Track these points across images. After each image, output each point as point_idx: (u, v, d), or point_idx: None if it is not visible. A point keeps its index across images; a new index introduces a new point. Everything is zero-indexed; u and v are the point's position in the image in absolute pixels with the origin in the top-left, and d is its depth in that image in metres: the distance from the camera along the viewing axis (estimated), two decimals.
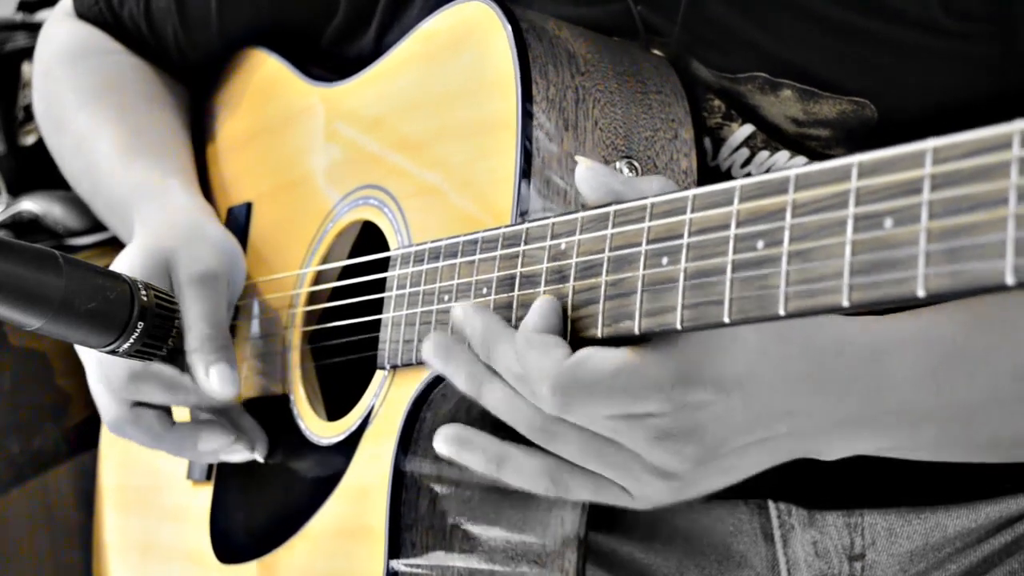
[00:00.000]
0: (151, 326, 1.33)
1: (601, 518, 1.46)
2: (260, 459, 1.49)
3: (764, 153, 1.35)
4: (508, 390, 1.10)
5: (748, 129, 1.35)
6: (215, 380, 1.40)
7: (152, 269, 1.44)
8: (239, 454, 1.49)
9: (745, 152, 1.35)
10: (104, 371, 1.43)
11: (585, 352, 1.05)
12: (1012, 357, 1.18)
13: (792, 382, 1.09)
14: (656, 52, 1.36)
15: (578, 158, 1.12)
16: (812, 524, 1.44)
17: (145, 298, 1.31)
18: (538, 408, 1.09)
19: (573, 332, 1.08)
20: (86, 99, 1.68)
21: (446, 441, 1.15)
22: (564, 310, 1.09)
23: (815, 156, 1.34)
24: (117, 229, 1.64)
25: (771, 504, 1.45)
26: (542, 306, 1.09)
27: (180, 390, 1.42)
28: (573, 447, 1.10)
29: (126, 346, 1.31)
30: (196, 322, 1.41)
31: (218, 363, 1.40)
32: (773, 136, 1.35)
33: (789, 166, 1.33)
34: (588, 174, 1.10)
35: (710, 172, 1.35)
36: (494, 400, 1.12)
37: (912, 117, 1.29)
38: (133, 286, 1.32)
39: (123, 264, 1.45)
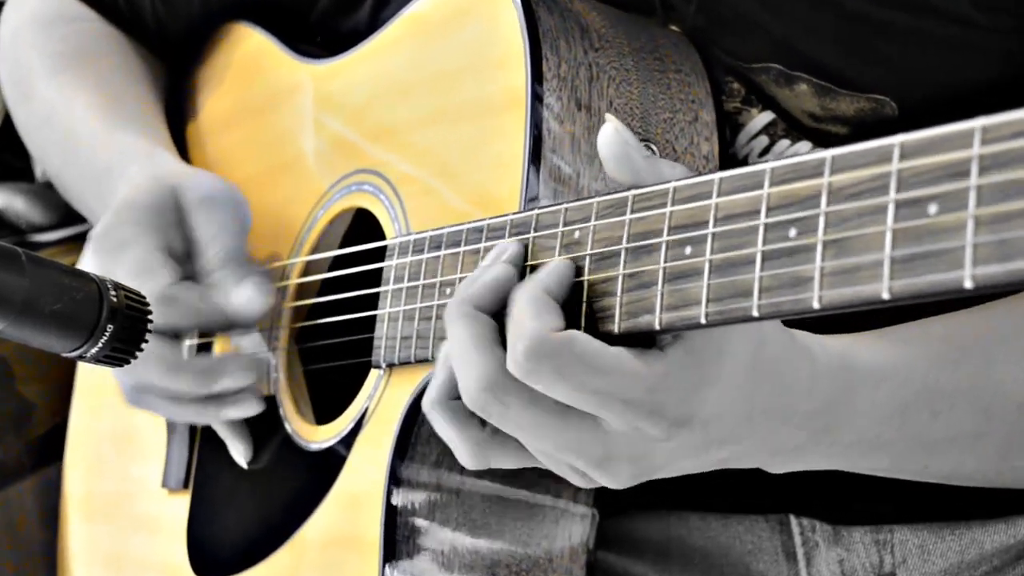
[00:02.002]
0: (121, 329, 1.32)
1: (611, 536, 1.46)
2: (244, 464, 1.49)
3: (784, 142, 1.35)
4: (477, 331, 1.10)
5: (768, 116, 1.35)
6: (246, 295, 1.41)
7: (159, 197, 1.45)
8: (236, 443, 1.49)
9: (764, 140, 1.36)
10: None
11: (578, 334, 1.05)
12: (982, 398, 1.21)
13: (752, 417, 1.11)
14: (674, 28, 1.36)
15: (608, 116, 1.12)
16: (837, 541, 1.44)
17: (115, 298, 1.30)
18: (493, 364, 1.08)
19: (588, 326, 1.08)
20: (58, 67, 1.68)
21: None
22: (580, 294, 1.09)
23: None
24: (90, 204, 1.64)
25: (793, 520, 1.45)
26: (558, 267, 1.10)
27: (206, 312, 1.42)
28: (510, 421, 1.10)
29: (94, 351, 1.30)
30: (212, 239, 1.43)
31: (246, 277, 1.42)
32: (793, 126, 1.35)
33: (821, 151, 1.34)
34: (613, 137, 1.08)
35: (728, 159, 1.35)
36: (456, 334, 1.11)
37: (934, 115, 1.29)
38: (102, 286, 1.31)
39: (125, 197, 1.46)
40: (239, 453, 1.49)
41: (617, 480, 1.12)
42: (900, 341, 1.20)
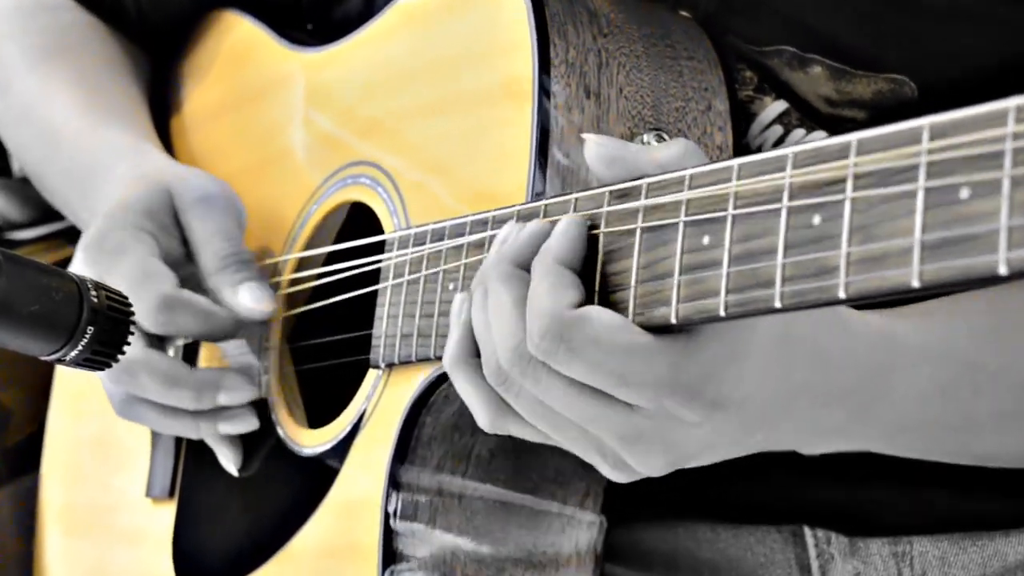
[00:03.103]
0: (102, 331, 1.31)
1: (617, 547, 1.46)
2: (234, 472, 1.48)
3: (799, 131, 1.36)
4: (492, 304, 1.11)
5: (782, 105, 1.36)
6: (247, 298, 1.41)
7: (152, 199, 1.45)
8: (227, 450, 1.49)
9: (778, 129, 1.36)
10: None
11: (597, 310, 1.06)
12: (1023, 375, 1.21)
13: (789, 395, 1.12)
14: (685, 14, 1.36)
15: (584, 136, 1.13)
16: (854, 553, 1.44)
17: (96, 299, 1.30)
18: (512, 343, 1.09)
19: None
20: (37, 59, 1.68)
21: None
22: (592, 286, 1.09)
23: None
24: (72, 203, 1.64)
25: (807, 531, 1.45)
26: (568, 229, 1.10)
27: (214, 318, 1.41)
28: (526, 401, 1.11)
29: (73, 354, 1.30)
30: (210, 240, 1.43)
31: (245, 280, 1.41)
32: (808, 114, 1.35)
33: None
34: (597, 149, 1.10)
35: (743, 149, 1.36)
36: (497, 296, 1.11)
37: (956, 94, 1.30)
38: (82, 285, 1.31)
39: (117, 197, 1.46)
40: (228, 460, 1.49)
41: (650, 466, 1.12)
42: (942, 314, 1.20)
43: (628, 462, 1.12)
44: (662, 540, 1.48)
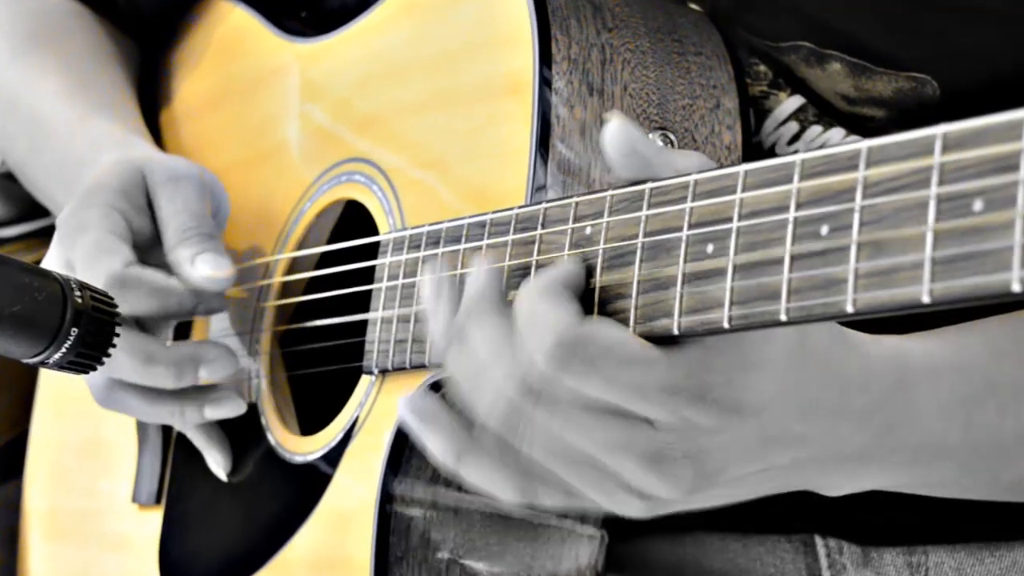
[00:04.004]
0: (86, 332, 1.31)
1: (622, 558, 1.46)
2: (223, 476, 1.49)
3: (816, 128, 1.36)
4: (489, 346, 1.09)
5: (797, 100, 1.35)
6: (203, 267, 1.41)
7: (126, 179, 1.45)
8: (214, 449, 1.49)
9: (793, 126, 1.36)
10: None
11: (603, 322, 1.06)
12: None
13: (808, 410, 1.11)
14: (694, 7, 1.36)
15: (608, 114, 1.12)
16: (867, 564, 1.45)
17: (80, 299, 1.29)
18: (515, 376, 1.07)
19: None
20: (22, 47, 1.68)
21: (410, 408, 1.14)
22: (591, 296, 1.09)
23: (872, 137, 1.34)
24: (57, 195, 1.64)
25: (819, 540, 1.45)
26: (568, 267, 1.10)
27: (169, 293, 1.41)
28: (542, 441, 1.09)
29: (57, 356, 1.29)
30: (174, 216, 1.44)
31: (203, 252, 1.42)
32: (825, 111, 1.35)
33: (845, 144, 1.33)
34: (618, 134, 1.09)
35: (753, 149, 1.36)
36: (473, 350, 1.10)
37: (980, 95, 1.30)
38: (66, 286, 1.31)
39: (94, 180, 1.47)
40: (217, 464, 1.49)
41: (678, 484, 1.10)
42: (956, 334, 1.21)
43: (654, 487, 1.11)
44: (668, 551, 1.48)
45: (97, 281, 1.39)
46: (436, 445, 1.14)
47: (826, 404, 1.12)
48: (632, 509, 1.14)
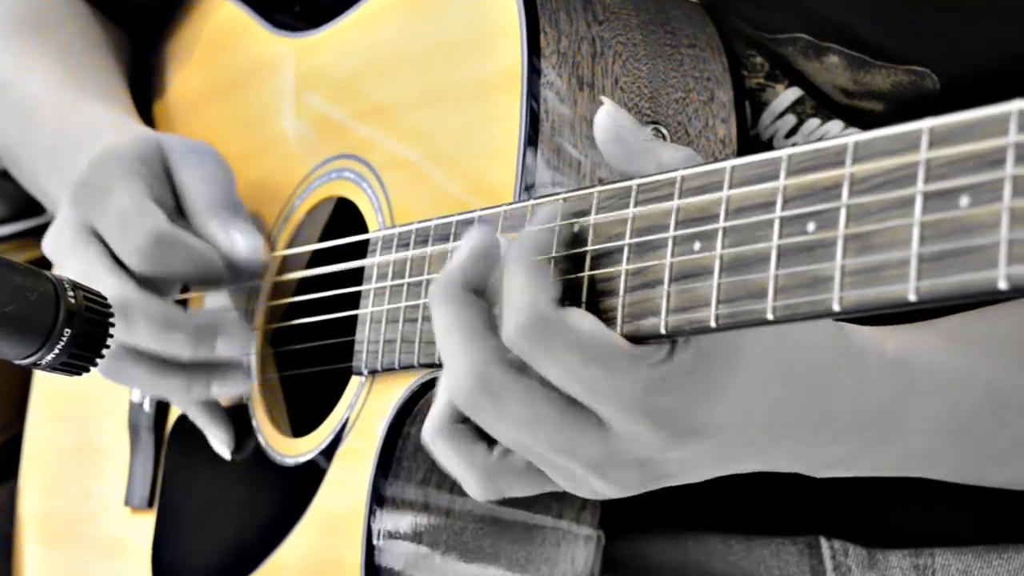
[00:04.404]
0: (80, 334, 1.31)
1: (621, 560, 1.46)
2: (227, 455, 1.48)
3: (814, 121, 1.35)
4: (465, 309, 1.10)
5: (795, 92, 1.35)
6: (240, 240, 1.41)
7: (143, 147, 1.45)
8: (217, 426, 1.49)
9: (791, 119, 1.35)
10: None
11: (580, 313, 1.06)
12: None
13: (785, 426, 1.12)
14: None
15: (603, 98, 1.12)
16: (872, 566, 1.44)
17: (73, 299, 1.29)
18: (485, 354, 1.09)
19: None
20: (12, 33, 1.68)
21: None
22: (579, 293, 1.09)
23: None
24: (46, 183, 1.63)
25: (823, 542, 1.45)
26: (544, 217, 1.10)
27: (209, 261, 1.41)
28: (506, 417, 1.09)
29: (49, 358, 1.29)
30: (200, 186, 1.43)
31: (236, 223, 1.42)
32: (823, 103, 1.34)
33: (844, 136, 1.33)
34: (605, 120, 1.10)
35: (749, 142, 1.35)
36: (442, 321, 1.10)
37: (980, 88, 1.29)
38: (58, 286, 1.31)
39: (107, 147, 1.46)
40: (220, 442, 1.49)
41: (623, 486, 1.12)
42: (962, 341, 1.20)
43: (599, 489, 1.13)
44: (669, 553, 1.48)
45: (137, 240, 1.38)
46: (428, 416, 1.15)
47: (808, 420, 1.13)
48: (593, 496, 1.15)
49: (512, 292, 1.07)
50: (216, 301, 1.53)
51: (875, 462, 1.19)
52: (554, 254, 1.10)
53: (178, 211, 1.46)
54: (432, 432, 1.15)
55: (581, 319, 1.05)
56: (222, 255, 1.41)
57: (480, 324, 1.09)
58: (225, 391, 1.45)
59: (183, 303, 1.53)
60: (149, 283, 1.42)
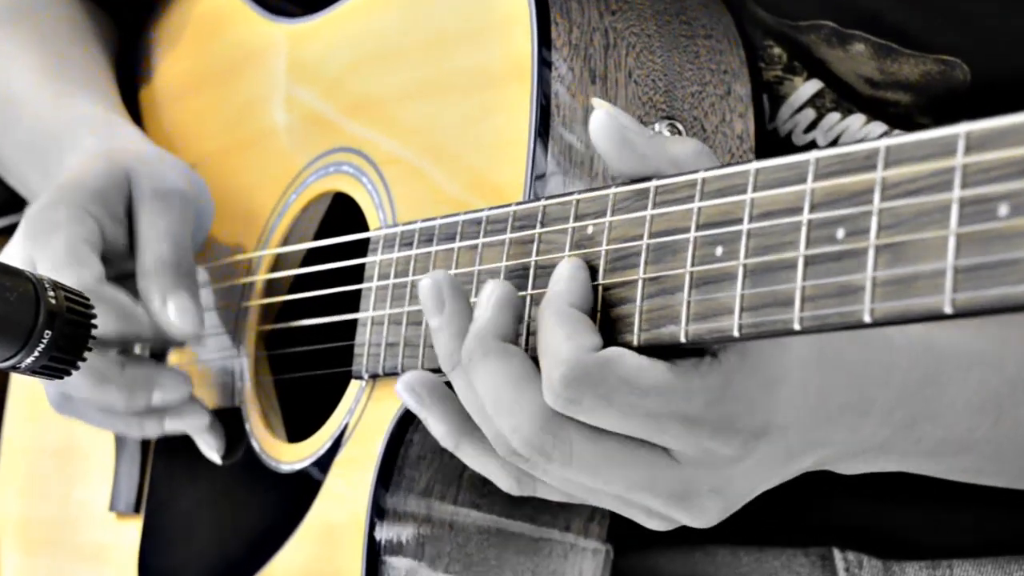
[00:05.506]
0: (60, 335, 1.31)
1: (630, 573, 1.46)
2: (217, 460, 1.48)
3: (834, 115, 1.35)
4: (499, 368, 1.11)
5: (815, 85, 1.35)
6: (172, 311, 1.41)
7: (108, 181, 1.45)
8: (198, 426, 1.48)
9: (810, 113, 1.35)
10: None
11: (618, 351, 1.06)
12: None
13: (831, 416, 1.12)
14: None
15: (594, 101, 1.12)
16: None
17: (53, 300, 1.29)
18: (521, 424, 1.09)
19: (603, 337, 1.08)
20: None
21: (408, 388, 1.16)
22: (594, 300, 1.09)
23: (895, 124, 1.34)
24: (28, 177, 1.63)
25: (837, 553, 1.45)
26: (571, 271, 1.10)
27: (134, 320, 1.42)
28: (575, 462, 1.10)
29: (29, 361, 1.29)
30: (154, 241, 1.43)
31: (177, 292, 1.42)
32: (845, 96, 1.34)
33: (864, 133, 1.32)
34: (607, 123, 1.09)
35: (767, 137, 1.35)
36: (489, 377, 1.11)
37: (1014, 82, 1.29)
38: (39, 286, 1.30)
39: (73, 170, 1.46)
40: (210, 447, 1.49)
41: (705, 517, 1.13)
42: (997, 326, 1.20)
43: (682, 519, 1.14)
44: (678, 565, 1.49)
45: None
46: (434, 428, 1.17)
47: (848, 405, 1.13)
48: (650, 525, 1.17)
49: (551, 346, 1.07)
50: (204, 303, 1.53)
51: (914, 448, 1.19)
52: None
53: (131, 251, 1.47)
54: (453, 435, 1.15)
55: (623, 354, 1.05)
56: (150, 320, 1.42)
57: (529, 370, 1.10)
58: (180, 427, 1.46)
59: None
60: None
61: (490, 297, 1.11)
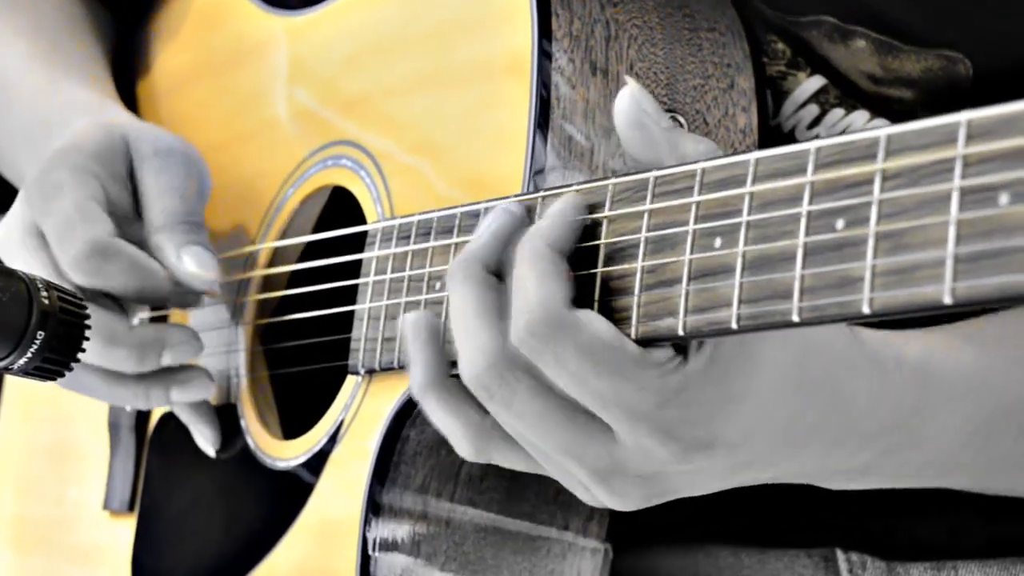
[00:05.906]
0: (53, 336, 1.30)
1: (629, 573, 1.46)
2: (212, 453, 1.48)
3: (838, 111, 1.35)
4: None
5: (818, 81, 1.35)
6: (190, 262, 1.41)
7: (106, 144, 1.45)
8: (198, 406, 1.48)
9: (813, 109, 1.35)
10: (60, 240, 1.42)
11: (593, 317, 1.06)
12: None
13: (798, 441, 1.13)
14: None
15: (628, 78, 1.12)
16: None
17: (46, 300, 1.29)
18: (482, 355, 1.10)
19: None
20: None
21: (414, 323, 1.17)
22: (592, 291, 1.09)
23: (898, 121, 1.34)
24: (21, 164, 1.63)
25: (840, 554, 1.45)
26: (560, 207, 1.10)
27: (150, 275, 1.41)
28: (513, 408, 1.11)
29: (22, 362, 1.29)
30: (161, 197, 1.43)
31: (190, 243, 1.42)
32: (848, 92, 1.34)
33: (869, 129, 1.33)
34: (627, 103, 1.10)
35: (770, 132, 1.35)
36: (459, 301, 1.12)
37: (1016, 76, 1.29)
38: (31, 286, 1.30)
39: (68, 141, 1.45)
40: (206, 439, 1.49)
41: (624, 501, 1.13)
42: (980, 345, 1.21)
43: (601, 498, 1.14)
44: (679, 566, 1.49)
45: (75, 249, 1.39)
46: (414, 368, 1.17)
47: (821, 431, 1.13)
48: (583, 499, 1.17)
49: (524, 288, 1.07)
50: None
51: (895, 471, 1.20)
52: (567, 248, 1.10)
53: (137, 214, 1.46)
54: (423, 385, 1.16)
55: (593, 321, 1.06)
56: (168, 274, 1.41)
57: (496, 305, 1.10)
58: (185, 396, 1.46)
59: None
60: (98, 295, 1.42)
61: (489, 226, 1.13)
